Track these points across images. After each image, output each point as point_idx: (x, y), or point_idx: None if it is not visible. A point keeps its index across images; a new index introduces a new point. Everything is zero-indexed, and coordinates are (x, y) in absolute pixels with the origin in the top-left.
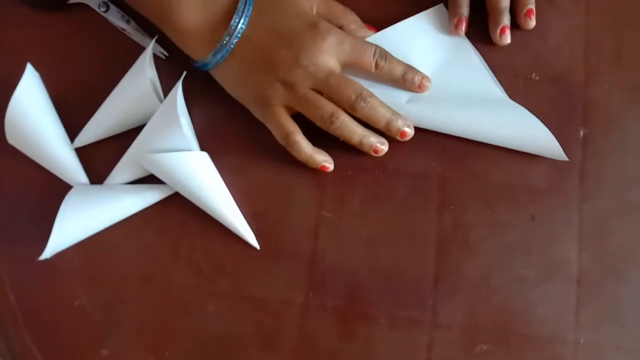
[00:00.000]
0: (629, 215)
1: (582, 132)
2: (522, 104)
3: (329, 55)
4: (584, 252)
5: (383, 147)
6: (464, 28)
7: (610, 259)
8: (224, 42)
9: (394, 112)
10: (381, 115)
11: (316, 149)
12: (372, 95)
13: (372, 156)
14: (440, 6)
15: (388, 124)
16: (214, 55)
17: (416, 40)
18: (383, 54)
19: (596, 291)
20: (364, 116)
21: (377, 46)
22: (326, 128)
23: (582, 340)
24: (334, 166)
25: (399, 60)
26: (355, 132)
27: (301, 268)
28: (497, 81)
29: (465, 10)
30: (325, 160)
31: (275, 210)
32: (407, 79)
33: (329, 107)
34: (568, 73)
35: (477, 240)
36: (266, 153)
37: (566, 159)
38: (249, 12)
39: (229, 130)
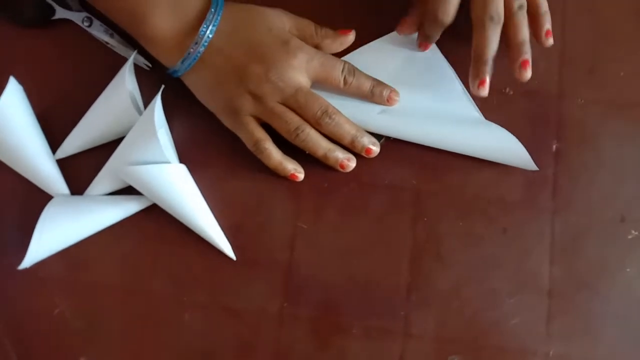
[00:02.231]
0: (601, 230)
1: (555, 146)
2: (496, 118)
3: (298, 71)
4: (556, 264)
5: (350, 163)
6: (486, 92)
7: (581, 272)
8: (191, 50)
9: (359, 129)
10: (346, 132)
11: (286, 157)
12: (337, 112)
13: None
14: None
15: (353, 140)
16: (182, 62)
17: (391, 56)
18: (351, 70)
19: (567, 303)
20: (329, 132)
21: (345, 62)
22: (292, 140)
23: (552, 352)
24: (310, 178)
25: (367, 76)
26: (321, 146)
27: (277, 278)
28: (469, 96)
29: (488, 70)
30: (295, 169)
31: (251, 221)
32: (375, 93)
33: (295, 120)
34: (542, 87)
35: (450, 252)
36: (244, 165)
37: (536, 168)
38: (217, 22)
39: (208, 142)
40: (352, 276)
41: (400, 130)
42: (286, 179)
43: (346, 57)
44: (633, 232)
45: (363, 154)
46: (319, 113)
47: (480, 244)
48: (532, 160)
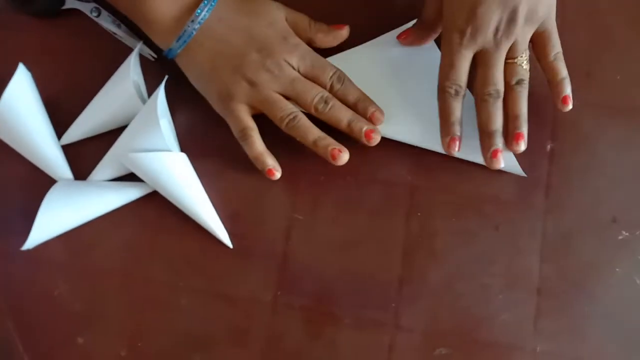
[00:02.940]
0: (592, 231)
1: (549, 147)
2: None
3: (294, 66)
4: (546, 263)
5: (341, 154)
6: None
7: (571, 272)
8: (187, 27)
9: (357, 115)
10: (343, 116)
11: (268, 152)
12: (334, 98)
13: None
14: (412, 22)
15: (349, 124)
16: (177, 40)
17: (386, 57)
18: (341, 78)
19: (556, 302)
20: (327, 118)
21: (337, 69)
22: (284, 128)
23: (539, 349)
24: (307, 171)
25: (356, 88)
26: (312, 133)
27: (272, 268)
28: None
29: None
30: (273, 166)
31: (249, 211)
32: (358, 107)
33: (289, 107)
34: (539, 87)
35: (443, 248)
36: (244, 156)
37: (524, 174)
38: (215, 3)
39: (209, 133)
40: (346, 268)
41: (394, 132)
42: (284, 171)
43: (341, 55)
44: (624, 232)
45: (363, 139)
46: (316, 99)
47: (472, 241)
48: (519, 166)
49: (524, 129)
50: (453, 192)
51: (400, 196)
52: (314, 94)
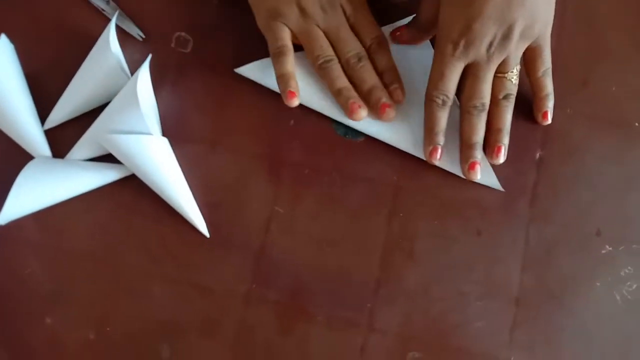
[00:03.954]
0: (575, 243)
1: (538, 155)
2: None
3: (346, 12)
4: (526, 273)
5: (361, 110)
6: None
7: (551, 283)
8: None
9: (382, 86)
10: (369, 79)
11: (295, 77)
12: (368, 60)
13: (329, 157)
14: (408, 19)
15: (371, 90)
16: None
17: None
18: (382, 44)
19: (533, 313)
20: (354, 75)
21: (382, 33)
22: (316, 65)
23: (513, 359)
24: (292, 163)
25: (390, 58)
26: (340, 80)
27: (248, 260)
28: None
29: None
30: (295, 89)
31: (229, 201)
32: (385, 78)
33: (328, 50)
34: (531, 95)
35: (422, 250)
36: (227, 144)
37: (502, 189)
38: None
39: (193, 119)
40: (323, 265)
41: (372, 130)
42: (268, 162)
43: None
44: (607, 247)
45: (377, 110)
46: (352, 52)
47: (453, 245)
48: (497, 181)
49: (505, 142)
50: (438, 194)
51: (384, 196)
52: (352, 48)
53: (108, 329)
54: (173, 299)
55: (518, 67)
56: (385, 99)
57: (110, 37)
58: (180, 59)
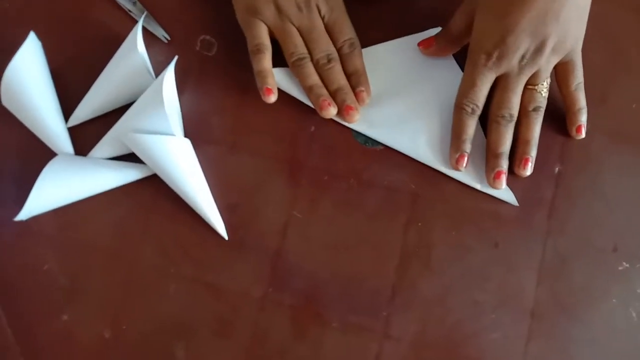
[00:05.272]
0: (592, 258)
1: (557, 169)
2: None
3: (321, 11)
4: (542, 285)
5: (331, 107)
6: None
7: (566, 297)
8: None
9: (349, 88)
10: (335, 80)
11: (273, 74)
12: (338, 62)
13: (348, 164)
14: (435, 29)
15: (337, 91)
16: None
17: (401, 62)
18: (353, 46)
19: (548, 325)
20: (323, 75)
21: (354, 36)
22: (290, 63)
23: None
24: (311, 169)
25: (360, 62)
26: (312, 78)
27: (264, 263)
28: None
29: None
30: (272, 86)
31: (248, 204)
32: (352, 80)
33: (302, 49)
34: (551, 109)
35: (439, 260)
36: (248, 148)
37: (516, 204)
38: None
39: (216, 120)
40: (340, 271)
41: (388, 140)
42: (287, 167)
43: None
44: (624, 263)
45: (342, 111)
46: (322, 53)
47: (470, 256)
48: (513, 196)
49: (533, 154)
50: (455, 204)
51: (401, 203)
52: (323, 49)
53: (124, 327)
54: (189, 299)
55: (548, 80)
56: (349, 102)
57: (138, 38)
58: (204, 62)
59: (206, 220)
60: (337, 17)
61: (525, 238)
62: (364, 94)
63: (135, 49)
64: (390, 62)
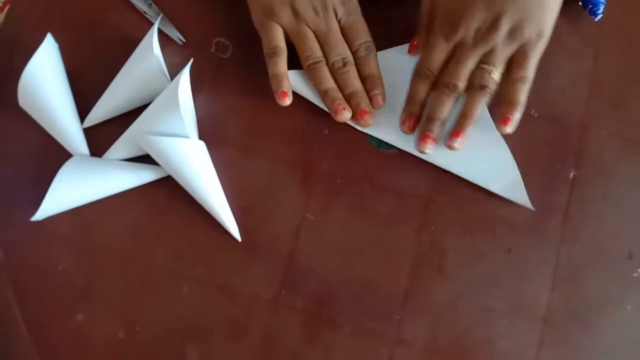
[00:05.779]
0: (606, 265)
1: (572, 175)
2: (517, 138)
3: (337, 15)
4: (555, 292)
5: (345, 112)
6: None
7: (579, 304)
8: None
9: (364, 92)
10: (351, 84)
11: (288, 77)
12: (353, 66)
13: (362, 168)
14: None
15: (352, 94)
16: None
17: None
18: (369, 49)
19: (560, 333)
20: (338, 78)
21: (370, 40)
22: (306, 66)
23: None
24: (325, 172)
25: (375, 65)
26: (327, 82)
27: (277, 266)
28: (490, 118)
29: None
30: (287, 89)
31: (262, 206)
32: (366, 84)
33: (318, 52)
34: (567, 115)
35: (451, 265)
36: (262, 150)
37: (532, 208)
38: None
39: (230, 123)
40: (352, 275)
41: (398, 142)
42: (301, 170)
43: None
44: (639, 270)
45: (356, 115)
46: (338, 57)
47: (482, 262)
48: (528, 199)
49: (464, 129)
50: (469, 210)
51: (414, 208)
52: (339, 53)
53: (137, 328)
54: (201, 301)
55: (502, 67)
56: (364, 105)
57: (154, 41)
58: (219, 64)
59: (220, 222)
60: (353, 21)
61: (538, 244)
62: (379, 98)
63: (151, 51)
64: (404, 65)
